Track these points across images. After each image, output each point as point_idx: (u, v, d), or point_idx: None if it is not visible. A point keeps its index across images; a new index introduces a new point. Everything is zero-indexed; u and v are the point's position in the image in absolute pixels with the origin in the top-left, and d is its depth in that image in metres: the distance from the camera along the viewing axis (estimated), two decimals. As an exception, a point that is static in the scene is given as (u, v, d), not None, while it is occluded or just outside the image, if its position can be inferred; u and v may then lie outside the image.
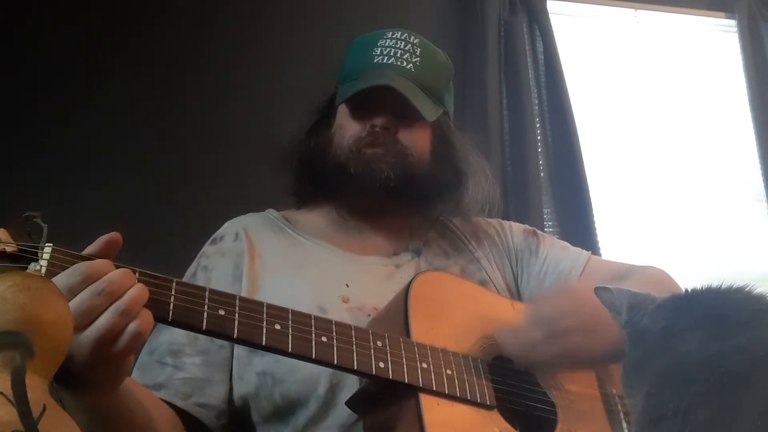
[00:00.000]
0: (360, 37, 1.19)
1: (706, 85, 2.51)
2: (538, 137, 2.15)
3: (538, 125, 2.17)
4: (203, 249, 1.11)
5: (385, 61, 1.12)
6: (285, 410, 0.95)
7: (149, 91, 1.92)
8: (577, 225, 2.05)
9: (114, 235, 0.73)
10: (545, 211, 2.08)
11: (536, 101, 2.20)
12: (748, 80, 2.45)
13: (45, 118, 1.82)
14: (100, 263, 0.69)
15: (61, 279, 0.66)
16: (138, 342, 0.69)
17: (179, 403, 0.93)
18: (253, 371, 0.97)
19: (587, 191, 2.08)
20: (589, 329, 0.85)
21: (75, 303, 0.65)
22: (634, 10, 2.54)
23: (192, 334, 0.96)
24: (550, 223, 2.08)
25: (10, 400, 0.46)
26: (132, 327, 0.67)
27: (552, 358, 0.89)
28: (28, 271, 0.66)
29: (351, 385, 0.92)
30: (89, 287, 0.66)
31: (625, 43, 2.51)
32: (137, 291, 0.68)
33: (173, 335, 0.97)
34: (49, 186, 1.69)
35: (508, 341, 0.91)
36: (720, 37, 2.59)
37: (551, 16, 2.29)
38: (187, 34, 2.01)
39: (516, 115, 2.13)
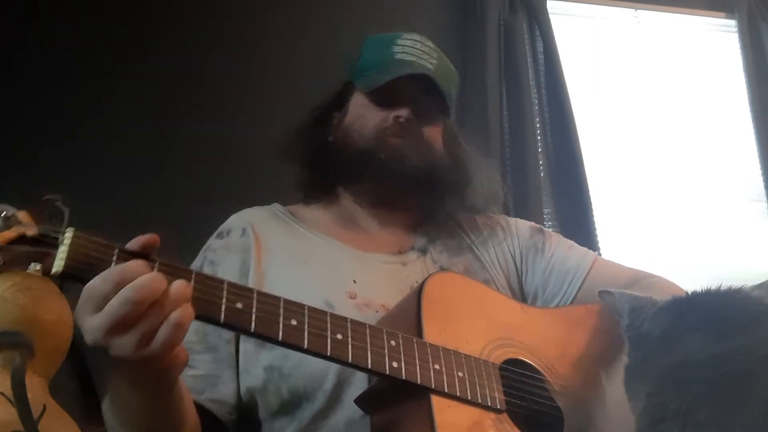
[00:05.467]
0: (376, 36, 1.21)
1: (706, 85, 2.51)
2: (538, 137, 2.15)
3: (538, 125, 2.17)
4: (209, 242, 1.11)
5: (407, 58, 1.14)
6: (291, 405, 0.96)
7: (166, 87, 1.94)
8: (577, 225, 2.05)
9: (152, 237, 0.72)
10: (545, 211, 2.08)
11: (536, 101, 2.20)
12: (748, 80, 2.45)
13: (66, 109, 1.85)
14: (129, 268, 0.68)
15: (96, 283, 0.66)
16: (178, 334, 0.68)
17: (193, 397, 0.93)
18: (260, 365, 0.97)
19: (587, 191, 2.08)
20: None
21: (107, 311, 0.65)
22: (634, 10, 2.54)
23: (201, 330, 0.97)
24: (550, 223, 2.08)
25: (10, 400, 0.46)
26: (171, 319, 0.67)
27: None
28: (28, 271, 0.65)
29: (357, 381, 0.92)
30: (118, 295, 0.66)
31: (625, 43, 2.51)
32: (176, 291, 0.68)
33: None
34: (69, 172, 1.71)
35: None
36: (720, 37, 2.59)
37: (551, 16, 2.28)
38: (199, 35, 2.03)
39: (516, 115, 2.13)
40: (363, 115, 1.14)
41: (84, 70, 1.90)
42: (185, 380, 0.93)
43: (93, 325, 0.66)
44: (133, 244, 0.71)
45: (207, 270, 1.05)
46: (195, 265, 1.08)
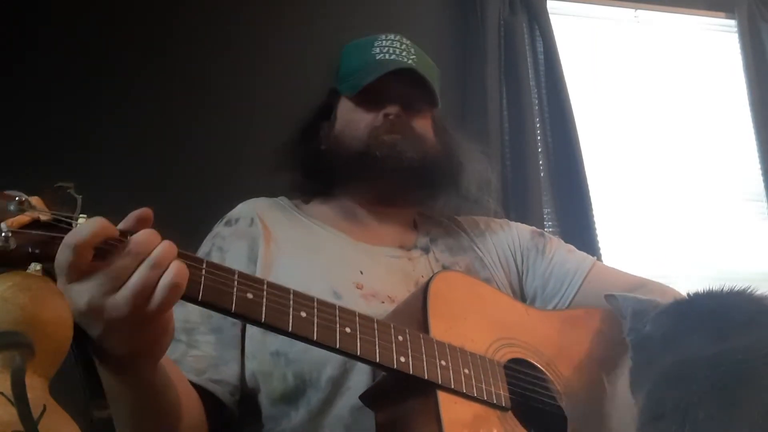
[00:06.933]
0: (353, 43, 1.23)
1: (706, 85, 2.51)
2: (538, 137, 2.15)
3: (538, 125, 2.17)
4: (217, 229, 1.13)
5: (387, 57, 1.16)
6: (296, 392, 0.96)
7: (173, 85, 1.96)
8: (577, 225, 2.05)
9: (145, 210, 0.71)
10: (545, 211, 2.08)
11: (536, 101, 2.20)
12: (748, 80, 2.45)
13: (77, 104, 1.88)
14: (84, 227, 0.65)
15: (59, 254, 0.65)
16: (175, 295, 0.67)
17: (193, 378, 0.93)
18: (267, 351, 0.98)
19: (587, 191, 2.08)
20: None
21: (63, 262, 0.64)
22: (634, 10, 2.54)
23: (205, 311, 0.97)
24: (550, 223, 2.08)
25: (10, 400, 0.46)
26: (166, 279, 0.66)
27: None
28: (28, 270, 0.65)
29: (362, 367, 0.92)
30: (65, 251, 0.64)
31: (625, 43, 2.51)
32: (166, 245, 0.67)
33: (187, 313, 0.97)
34: (79, 165, 1.71)
35: None
36: (720, 37, 2.59)
37: (551, 16, 2.28)
38: (205, 34, 2.05)
39: (516, 115, 2.13)
40: (353, 119, 1.16)
41: (95, 67, 1.92)
42: (187, 360, 0.95)
43: (85, 287, 0.64)
44: (129, 220, 0.70)
45: (215, 256, 1.06)
46: (203, 251, 1.09)
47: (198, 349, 0.96)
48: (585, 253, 1.24)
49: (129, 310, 0.65)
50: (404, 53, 1.17)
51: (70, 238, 0.64)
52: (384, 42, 1.18)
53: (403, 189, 1.15)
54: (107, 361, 0.71)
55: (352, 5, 2.17)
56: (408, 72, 1.13)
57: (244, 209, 1.15)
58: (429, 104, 1.19)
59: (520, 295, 1.18)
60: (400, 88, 1.14)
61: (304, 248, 1.08)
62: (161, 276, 0.66)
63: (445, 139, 1.22)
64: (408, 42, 1.20)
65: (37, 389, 0.50)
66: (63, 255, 0.64)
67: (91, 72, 1.91)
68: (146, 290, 0.66)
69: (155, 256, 0.66)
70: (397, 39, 1.20)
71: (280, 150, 1.23)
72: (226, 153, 1.90)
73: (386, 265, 1.09)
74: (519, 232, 1.25)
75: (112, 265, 0.65)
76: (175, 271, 0.67)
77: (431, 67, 1.21)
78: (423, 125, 1.18)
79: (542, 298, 1.17)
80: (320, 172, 1.18)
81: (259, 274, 1.01)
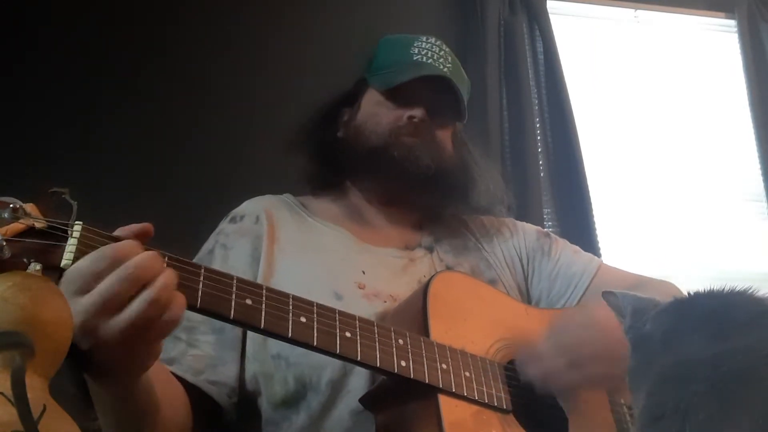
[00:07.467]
0: (392, 36, 1.23)
1: (706, 85, 2.51)
2: (538, 137, 2.15)
3: (538, 125, 2.17)
4: (222, 226, 1.12)
5: (424, 60, 1.16)
6: (296, 395, 0.95)
7: (174, 85, 1.96)
8: (577, 225, 2.05)
9: (146, 225, 0.70)
10: (545, 211, 2.08)
11: (536, 101, 2.20)
12: (748, 80, 2.45)
13: (74, 106, 1.88)
14: (126, 246, 0.66)
15: (86, 263, 0.64)
16: (170, 329, 0.67)
17: (190, 378, 0.93)
18: (268, 354, 0.97)
19: (587, 191, 2.08)
20: (611, 357, 0.84)
21: (101, 288, 0.63)
22: (634, 10, 2.54)
23: None
24: (550, 223, 2.08)
25: (10, 400, 0.46)
26: (164, 317, 0.65)
27: (574, 385, 0.88)
28: (28, 271, 0.65)
29: (361, 370, 0.92)
30: (115, 272, 0.64)
31: (625, 43, 2.51)
32: (166, 278, 0.66)
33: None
34: (75, 169, 1.72)
35: (530, 368, 0.90)
36: (720, 37, 2.59)
37: (551, 16, 2.28)
38: (208, 32, 2.06)
39: (516, 115, 2.13)
40: (377, 113, 1.15)
41: (95, 67, 1.92)
42: (186, 359, 0.94)
43: (82, 305, 0.63)
44: (125, 232, 0.70)
45: (219, 253, 1.06)
46: (206, 247, 1.09)
47: (198, 349, 0.96)
48: (591, 255, 1.24)
49: (120, 339, 0.64)
50: (441, 60, 1.17)
51: (110, 251, 0.64)
52: (424, 44, 1.18)
53: (413, 193, 1.14)
54: (91, 370, 0.71)
55: (352, 5, 2.18)
56: (441, 80, 1.13)
57: (250, 206, 1.15)
58: (455, 116, 1.19)
59: (527, 297, 1.18)
60: (430, 93, 1.14)
61: (306, 249, 1.08)
62: (159, 310, 0.65)
63: (463, 153, 1.22)
64: (447, 50, 1.20)
65: (37, 389, 0.50)
66: (96, 264, 0.63)
67: (91, 72, 1.91)
68: (141, 323, 0.64)
69: (155, 291, 0.64)
70: (437, 44, 1.19)
71: (296, 131, 1.22)
72: (226, 153, 1.91)
73: (389, 264, 1.09)
74: (525, 232, 1.25)
75: (111, 288, 0.63)
76: (173, 307, 0.66)
77: (464, 80, 1.21)
78: (444, 135, 1.18)
79: (548, 300, 1.17)
80: (333, 160, 1.17)
81: (261, 274, 1.02)
